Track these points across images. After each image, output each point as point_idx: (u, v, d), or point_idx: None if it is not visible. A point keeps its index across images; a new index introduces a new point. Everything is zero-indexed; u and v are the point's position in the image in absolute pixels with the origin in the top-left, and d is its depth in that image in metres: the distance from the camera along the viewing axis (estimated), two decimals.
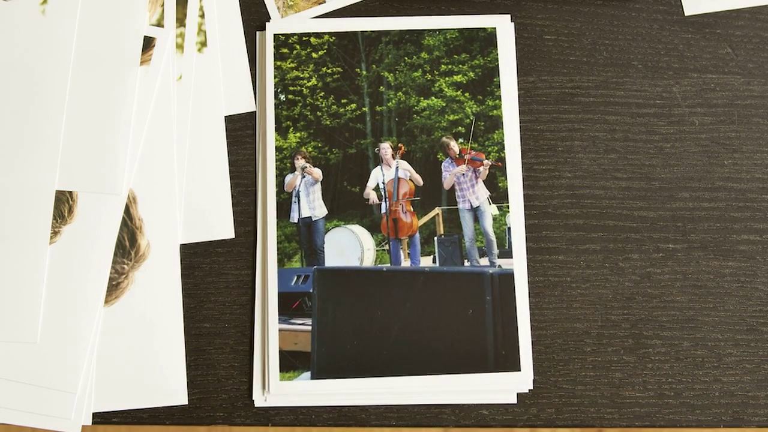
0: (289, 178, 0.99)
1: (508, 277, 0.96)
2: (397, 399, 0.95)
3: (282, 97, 1.01)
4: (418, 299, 0.95)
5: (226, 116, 1.02)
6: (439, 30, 1.03)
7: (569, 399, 0.96)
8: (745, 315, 0.98)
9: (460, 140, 1.01)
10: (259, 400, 0.96)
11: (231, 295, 0.98)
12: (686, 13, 1.05)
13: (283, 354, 0.94)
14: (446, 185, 0.99)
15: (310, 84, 1.02)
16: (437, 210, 1.00)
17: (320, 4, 1.05)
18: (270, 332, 0.95)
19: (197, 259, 0.99)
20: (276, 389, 0.93)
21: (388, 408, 0.95)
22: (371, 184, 0.99)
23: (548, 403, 0.96)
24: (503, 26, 1.03)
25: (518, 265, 0.96)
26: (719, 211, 1.00)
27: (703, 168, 1.02)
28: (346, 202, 0.99)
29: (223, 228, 1.00)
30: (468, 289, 0.95)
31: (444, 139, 1.00)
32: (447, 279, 0.95)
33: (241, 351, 0.97)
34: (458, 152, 1.00)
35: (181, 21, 1.03)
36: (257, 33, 1.03)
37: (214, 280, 0.98)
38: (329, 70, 1.02)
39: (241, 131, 1.01)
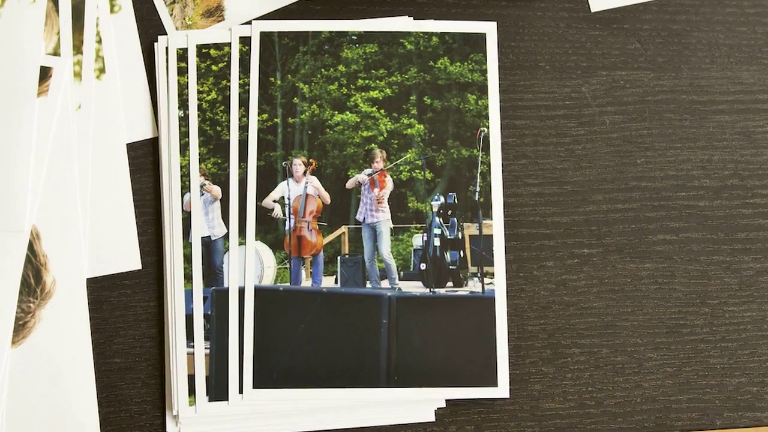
0: (187, 197, 0.97)
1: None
2: (314, 424, 0.94)
3: (180, 113, 0.98)
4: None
5: (128, 143, 0.99)
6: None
7: (488, 414, 0.94)
8: (663, 317, 0.96)
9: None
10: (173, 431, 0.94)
11: (140, 327, 0.96)
12: (592, 9, 1.03)
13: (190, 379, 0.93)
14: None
15: (209, 98, 0.99)
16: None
17: (219, 22, 1.02)
18: (178, 357, 0.93)
19: (105, 293, 0.97)
20: (185, 414, 0.92)
21: None
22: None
23: (467, 420, 0.94)
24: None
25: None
26: (633, 212, 0.98)
27: (616, 168, 0.99)
28: (252, 218, 0.96)
29: (130, 259, 0.98)
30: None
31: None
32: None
33: (153, 384, 0.95)
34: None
35: (78, 48, 1.00)
36: (155, 46, 1.00)
37: (123, 313, 0.96)
38: (241, 81, 0.99)
39: (143, 158, 0.99)
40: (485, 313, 0.94)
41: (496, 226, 0.97)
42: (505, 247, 0.98)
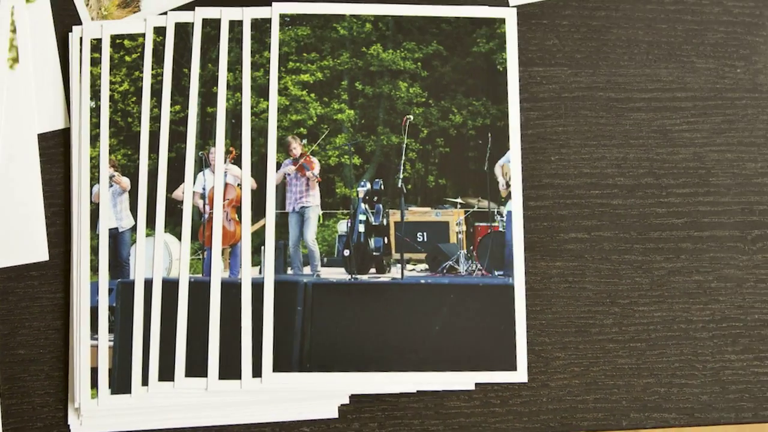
0: (96, 188, 0.96)
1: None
2: (219, 418, 0.93)
3: (92, 103, 0.97)
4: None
5: (39, 134, 0.98)
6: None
7: (392, 412, 0.93)
8: (572, 317, 0.95)
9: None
10: (75, 425, 0.93)
11: (46, 319, 0.95)
12: (511, 4, 1.01)
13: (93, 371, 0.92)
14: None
15: (121, 89, 0.98)
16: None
17: (135, 12, 1.01)
18: (81, 349, 0.92)
19: (11, 284, 0.96)
20: (86, 407, 0.91)
21: (208, 429, 0.93)
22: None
23: (370, 417, 0.93)
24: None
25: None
26: (546, 209, 0.97)
27: (530, 165, 0.98)
28: (161, 210, 0.95)
29: (37, 250, 0.97)
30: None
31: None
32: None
33: (57, 377, 0.94)
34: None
35: None
36: (69, 36, 0.99)
37: (28, 304, 0.96)
38: (155, 72, 0.98)
39: (54, 148, 0.98)
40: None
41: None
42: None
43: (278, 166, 0.97)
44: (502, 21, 1.00)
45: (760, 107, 1.00)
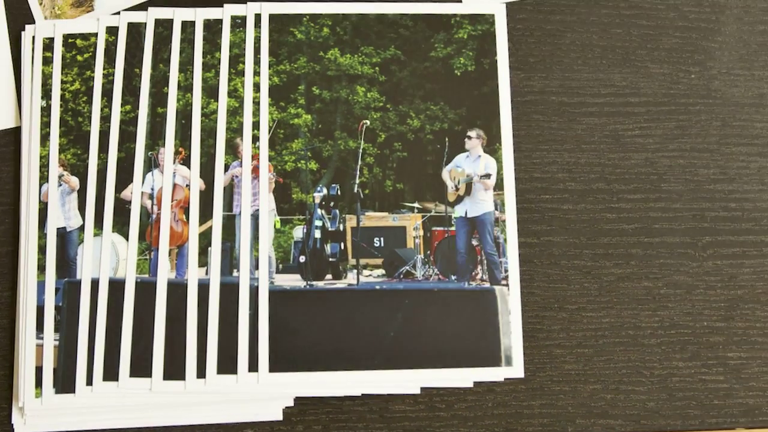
0: (45, 187, 0.96)
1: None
2: (163, 419, 0.93)
3: (43, 103, 0.97)
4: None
5: None
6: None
7: (337, 415, 0.93)
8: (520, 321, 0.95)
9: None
10: (19, 424, 0.93)
11: None
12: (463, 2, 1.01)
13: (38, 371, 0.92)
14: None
15: (72, 88, 0.98)
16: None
17: (88, 12, 1.01)
18: (26, 348, 0.92)
19: None
20: (30, 406, 0.91)
21: (152, 430, 0.92)
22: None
23: (315, 420, 0.93)
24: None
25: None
26: None
27: None
28: (110, 210, 0.95)
29: None
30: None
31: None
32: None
33: (1, 376, 0.94)
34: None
35: None
36: (22, 35, 0.99)
37: None
38: (106, 71, 0.98)
39: (5, 147, 0.98)
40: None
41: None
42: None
43: (226, 167, 0.97)
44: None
45: (713, 113, 1.00)
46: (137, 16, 0.99)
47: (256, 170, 0.96)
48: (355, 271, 0.97)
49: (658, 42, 1.01)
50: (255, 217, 0.96)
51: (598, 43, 1.01)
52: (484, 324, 0.92)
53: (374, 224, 0.98)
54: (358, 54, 1.00)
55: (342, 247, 0.98)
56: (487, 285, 0.95)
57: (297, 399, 0.93)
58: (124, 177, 0.97)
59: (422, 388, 0.93)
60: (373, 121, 0.98)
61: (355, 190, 0.97)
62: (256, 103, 0.98)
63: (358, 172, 0.97)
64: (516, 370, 0.91)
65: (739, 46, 1.01)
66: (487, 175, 0.96)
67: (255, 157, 0.97)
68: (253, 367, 0.92)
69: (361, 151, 0.97)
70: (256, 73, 0.98)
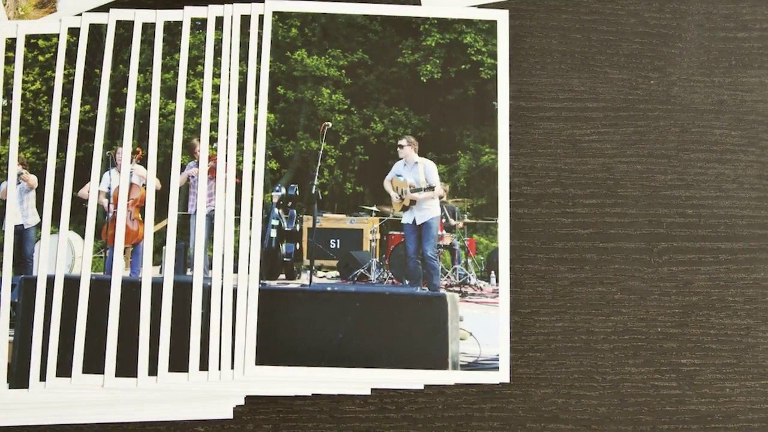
0: (3, 185, 0.97)
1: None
2: (115, 415, 0.93)
3: (4, 102, 0.98)
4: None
5: None
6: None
7: (287, 414, 0.93)
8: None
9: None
10: None
11: None
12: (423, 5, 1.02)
13: None
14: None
15: (33, 88, 0.99)
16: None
17: (51, 13, 1.02)
18: None
19: None
20: None
21: (104, 426, 0.93)
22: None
23: (265, 419, 0.93)
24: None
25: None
26: None
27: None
28: (67, 208, 0.96)
29: None
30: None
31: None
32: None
33: None
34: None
35: None
36: None
37: None
38: (67, 71, 0.99)
39: None
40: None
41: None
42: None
43: (183, 168, 0.98)
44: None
45: (672, 119, 1.00)
46: (99, 18, 1.00)
47: (212, 171, 0.97)
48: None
49: (617, 47, 1.01)
50: (210, 217, 0.96)
51: (557, 48, 1.01)
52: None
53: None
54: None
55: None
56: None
57: (248, 397, 0.93)
58: (82, 176, 0.97)
59: (373, 389, 0.93)
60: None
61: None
62: (215, 104, 0.99)
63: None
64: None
65: (699, 53, 1.01)
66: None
67: (212, 158, 0.97)
68: (204, 365, 0.92)
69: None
70: (216, 75, 0.99)
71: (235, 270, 0.96)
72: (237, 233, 0.97)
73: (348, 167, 0.99)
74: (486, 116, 0.99)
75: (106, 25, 1.00)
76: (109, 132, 0.98)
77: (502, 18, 0.99)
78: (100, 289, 0.95)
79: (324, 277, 0.98)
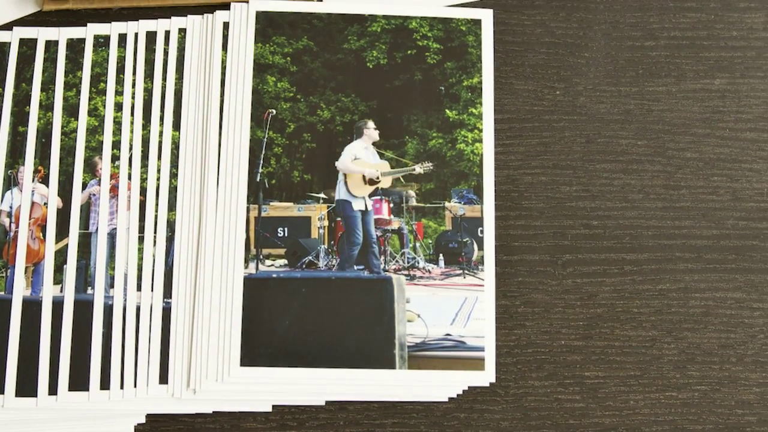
0: None
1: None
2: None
3: None
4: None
5: None
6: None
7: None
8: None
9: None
10: None
11: None
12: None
13: None
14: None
15: None
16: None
17: None
18: None
19: None
20: None
21: None
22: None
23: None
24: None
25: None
26: None
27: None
28: None
29: None
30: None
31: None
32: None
33: None
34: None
35: None
36: None
37: None
38: None
39: None
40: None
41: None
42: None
43: (84, 186, 0.98)
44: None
45: (578, 129, 0.99)
46: (2, 36, 1.00)
47: (114, 189, 0.97)
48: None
49: (523, 58, 1.00)
50: (111, 236, 0.96)
51: None
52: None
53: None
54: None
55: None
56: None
57: (149, 415, 0.93)
58: None
59: (274, 406, 0.93)
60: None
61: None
62: (117, 122, 0.99)
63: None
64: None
65: (606, 62, 1.01)
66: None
67: (113, 176, 0.97)
68: (105, 384, 0.92)
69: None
70: (118, 93, 0.99)
71: (139, 288, 0.95)
72: (140, 251, 0.96)
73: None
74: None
75: (10, 43, 1.00)
76: (11, 151, 0.98)
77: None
78: (0, 308, 0.95)
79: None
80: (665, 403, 0.93)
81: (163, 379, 0.93)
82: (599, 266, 0.96)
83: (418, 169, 0.97)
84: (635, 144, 0.99)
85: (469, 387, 0.93)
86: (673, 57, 1.01)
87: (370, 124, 0.98)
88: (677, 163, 0.98)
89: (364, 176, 0.98)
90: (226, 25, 1.01)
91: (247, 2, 1.00)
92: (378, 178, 0.97)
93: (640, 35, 1.02)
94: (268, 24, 1.00)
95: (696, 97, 1.00)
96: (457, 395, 0.93)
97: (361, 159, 0.97)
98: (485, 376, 0.91)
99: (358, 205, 0.98)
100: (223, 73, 0.99)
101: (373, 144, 0.98)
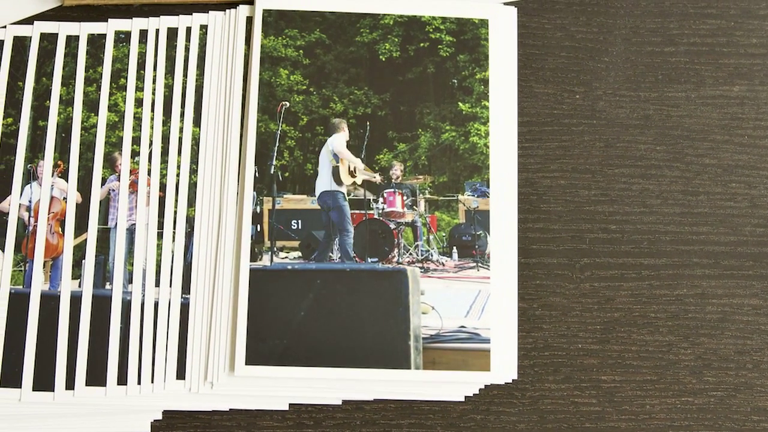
0: None
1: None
2: (33, 430, 0.93)
3: None
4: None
5: None
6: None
7: (204, 429, 0.93)
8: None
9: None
10: None
11: None
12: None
13: None
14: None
15: None
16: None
17: None
18: None
19: None
20: None
21: None
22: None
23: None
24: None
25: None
26: None
27: None
28: None
29: None
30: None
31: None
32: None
33: None
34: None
35: None
36: None
37: None
38: None
39: None
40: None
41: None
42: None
43: (104, 181, 0.98)
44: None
45: (597, 134, 0.99)
46: (23, 30, 1.00)
47: (133, 185, 0.97)
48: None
49: (543, 62, 1.01)
50: (130, 231, 0.96)
51: None
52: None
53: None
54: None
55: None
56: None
57: (165, 412, 0.93)
58: (3, 189, 0.97)
59: (290, 405, 0.93)
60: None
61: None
62: (137, 118, 0.98)
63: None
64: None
65: (626, 67, 1.01)
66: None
67: (133, 171, 0.97)
68: (122, 379, 0.92)
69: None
70: (138, 89, 0.99)
71: (157, 284, 0.95)
72: (159, 247, 0.96)
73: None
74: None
75: (31, 37, 1.00)
76: (31, 145, 0.98)
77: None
78: (18, 302, 0.95)
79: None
80: (681, 408, 0.94)
81: (181, 374, 0.93)
82: (617, 270, 0.96)
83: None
84: (654, 149, 0.99)
85: (485, 386, 0.93)
86: (693, 63, 1.01)
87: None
88: (695, 169, 0.99)
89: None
90: (249, 20, 1.01)
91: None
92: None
93: (660, 41, 1.02)
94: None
95: (715, 104, 1.00)
96: (474, 395, 0.93)
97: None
98: (504, 374, 0.91)
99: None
100: (245, 69, 0.99)
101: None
